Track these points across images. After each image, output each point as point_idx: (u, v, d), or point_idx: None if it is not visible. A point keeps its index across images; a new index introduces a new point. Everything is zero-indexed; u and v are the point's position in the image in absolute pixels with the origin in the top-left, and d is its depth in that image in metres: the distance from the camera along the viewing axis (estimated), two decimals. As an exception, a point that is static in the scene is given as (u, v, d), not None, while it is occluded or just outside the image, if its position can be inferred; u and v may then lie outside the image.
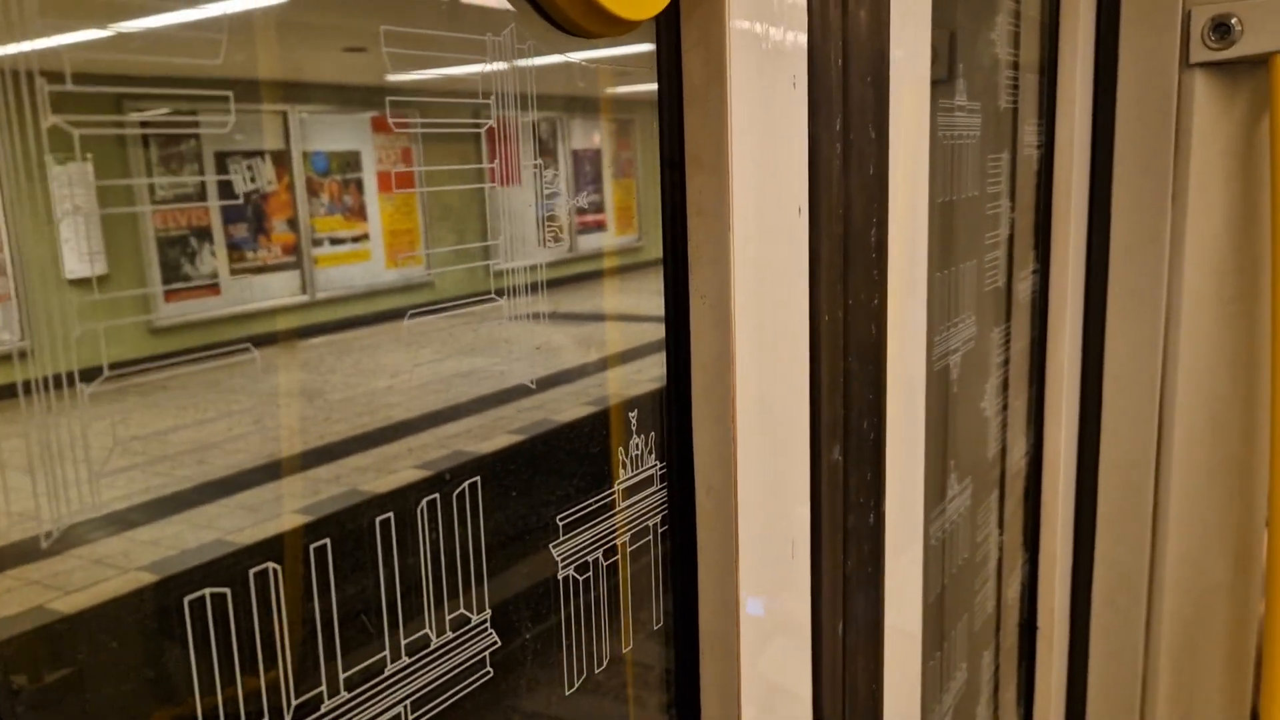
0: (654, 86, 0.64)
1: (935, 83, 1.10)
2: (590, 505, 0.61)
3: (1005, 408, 1.44)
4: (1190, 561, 1.57)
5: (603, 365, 0.65)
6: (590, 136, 0.63)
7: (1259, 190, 1.47)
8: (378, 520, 0.47)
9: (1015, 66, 1.34)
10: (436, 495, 0.50)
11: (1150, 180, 1.47)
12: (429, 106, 0.50)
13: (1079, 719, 1.68)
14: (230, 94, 0.40)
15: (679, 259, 0.64)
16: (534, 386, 0.58)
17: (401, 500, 0.49)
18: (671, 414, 0.67)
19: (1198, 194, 1.46)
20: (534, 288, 0.56)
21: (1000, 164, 1.31)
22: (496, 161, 0.53)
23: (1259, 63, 1.41)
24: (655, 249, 0.67)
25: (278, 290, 0.44)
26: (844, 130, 0.72)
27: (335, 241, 0.49)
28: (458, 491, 0.52)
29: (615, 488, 0.63)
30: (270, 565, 0.43)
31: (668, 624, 0.69)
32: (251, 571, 0.42)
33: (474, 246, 0.53)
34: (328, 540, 0.45)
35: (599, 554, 0.62)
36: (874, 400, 0.82)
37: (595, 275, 0.65)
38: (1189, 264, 1.47)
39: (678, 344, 0.65)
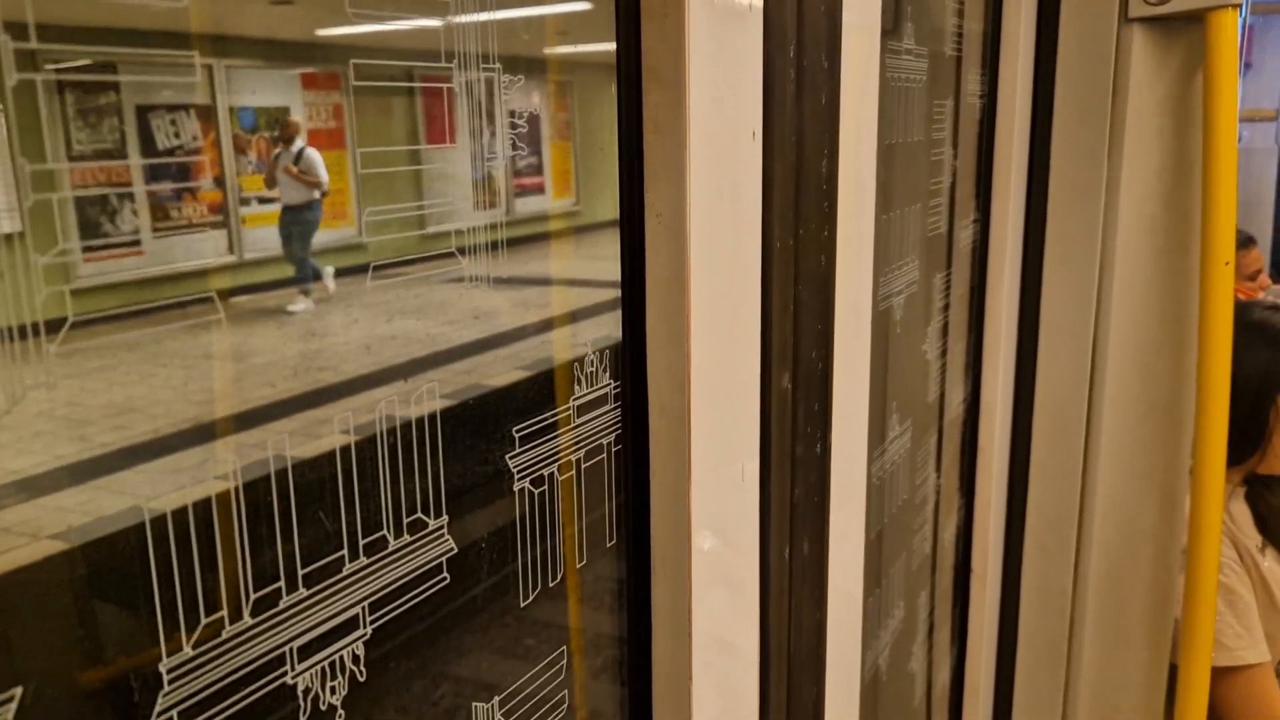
0: (597, 47, 0.63)
1: (883, 30, 1.10)
2: (545, 420, 0.62)
3: (945, 352, 1.47)
4: (1117, 506, 1.63)
5: (539, 330, 0.65)
6: (531, 97, 0.62)
7: (1191, 144, 1.51)
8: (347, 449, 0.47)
9: (960, 14, 1.36)
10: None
11: (1088, 132, 1.50)
12: (362, 61, 0.48)
13: (1009, 659, 1.74)
14: (153, 45, 0.39)
15: (634, 176, 0.64)
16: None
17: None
18: (626, 333, 0.67)
19: (1133, 146, 1.49)
20: (468, 250, 0.55)
21: (944, 111, 1.33)
22: (433, 120, 0.52)
23: (1194, 19, 1.44)
24: (593, 213, 0.66)
25: (203, 250, 0.43)
26: (798, 56, 0.73)
27: (264, 200, 0.47)
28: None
29: (570, 404, 0.63)
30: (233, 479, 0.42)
31: (620, 541, 0.70)
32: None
33: (408, 207, 0.51)
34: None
35: (554, 468, 0.62)
36: (823, 331, 0.83)
37: (532, 239, 0.64)
38: (1123, 215, 1.51)
39: (633, 263, 0.65)
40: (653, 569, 0.70)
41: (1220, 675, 1.70)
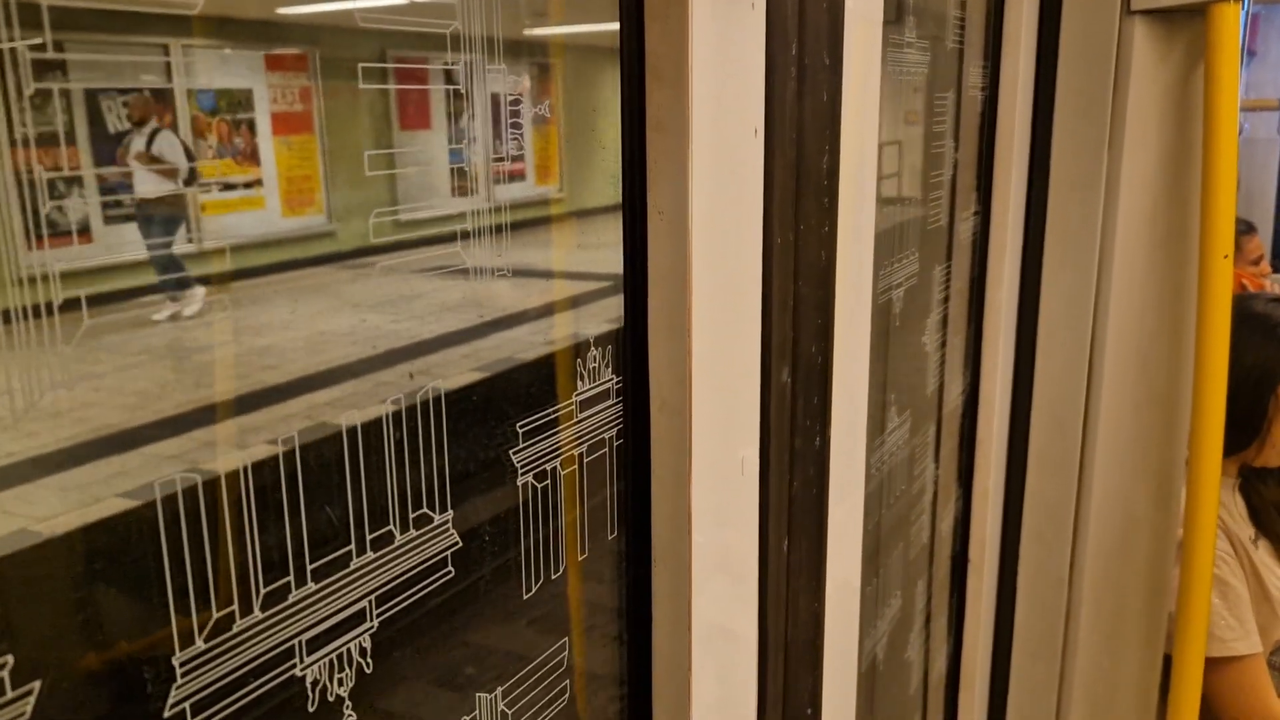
0: (583, 28, 0.62)
1: (885, 22, 1.10)
2: (548, 415, 0.62)
3: (944, 344, 1.48)
4: (1114, 496, 1.64)
5: (536, 319, 0.63)
6: (515, 81, 0.60)
7: (1191, 137, 1.51)
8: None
9: (963, 6, 1.36)
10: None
11: (1089, 124, 1.50)
12: (331, 42, 0.46)
13: (1005, 648, 1.75)
14: (104, 24, 0.37)
15: (637, 174, 0.64)
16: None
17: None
18: (628, 328, 0.68)
19: (1133, 139, 1.50)
20: (446, 239, 0.53)
21: (945, 103, 1.33)
22: (406, 104, 0.50)
23: (1196, 12, 1.45)
24: (578, 200, 0.65)
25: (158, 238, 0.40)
26: (799, 54, 0.73)
27: (226, 187, 0.44)
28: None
29: (573, 399, 0.64)
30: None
31: (621, 532, 0.71)
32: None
33: (381, 195, 0.49)
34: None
35: (556, 463, 0.63)
36: (822, 325, 0.84)
37: (512, 227, 0.61)
38: (1123, 208, 1.51)
39: (635, 258, 0.66)
40: (653, 560, 0.71)
41: (1213, 666, 1.72)
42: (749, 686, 0.81)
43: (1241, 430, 1.87)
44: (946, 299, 1.47)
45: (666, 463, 0.69)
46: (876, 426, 1.25)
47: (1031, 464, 1.66)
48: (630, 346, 0.68)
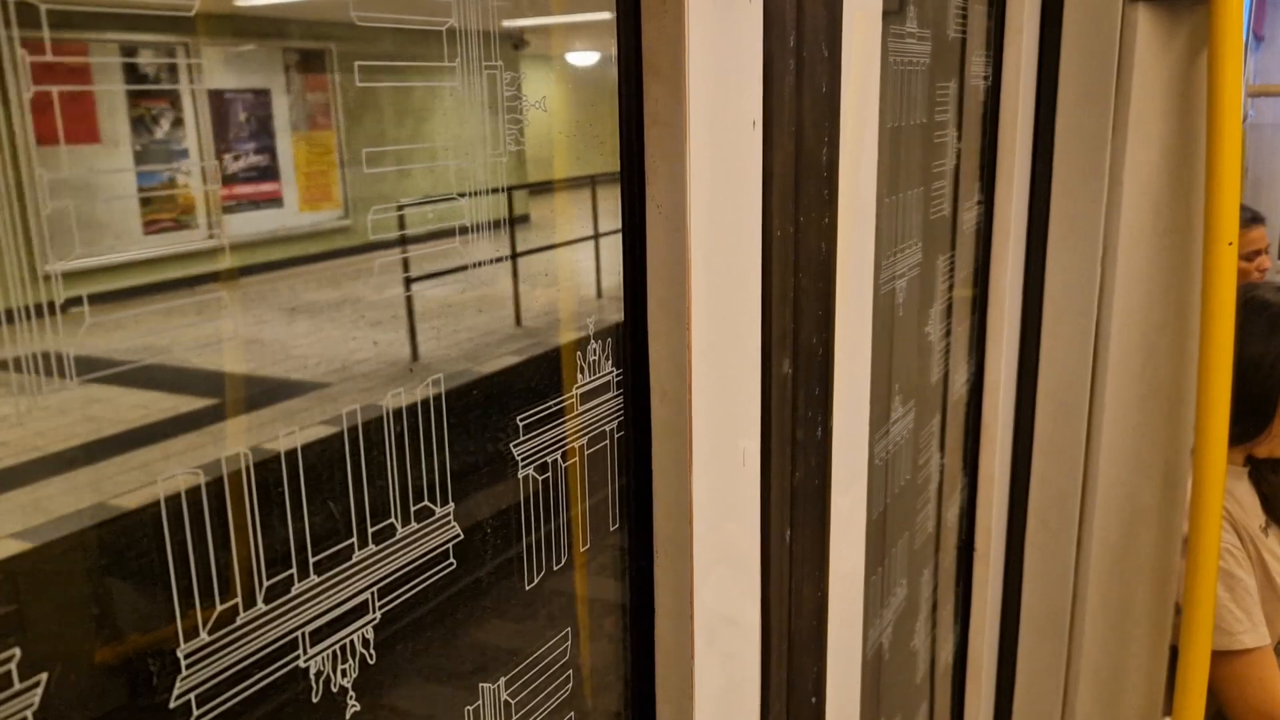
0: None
1: (886, 12, 1.10)
2: (549, 408, 0.63)
3: (948, 334, 1.48)
4: (1120, 485, 1.64)
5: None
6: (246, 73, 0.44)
7: (1195, 126, 1.51)
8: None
9: (964, -4, 1.36)
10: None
11: (1092, 113, 1.50)
12: None
13: (1011, 637, 1.76)
14: None
15: (634, 169, 0.65)
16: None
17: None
18: (627, 321, 0.68)
19: (1136, 128, 1.50)
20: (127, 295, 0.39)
21: (948, 93, 1.33)
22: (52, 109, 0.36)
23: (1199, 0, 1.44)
24: (367, 230, 0.49)
25: None
26: (797, 46, 0.73)
27: None
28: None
29: (574, 391, 0.65)
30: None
31: (624, 524, 0.72)
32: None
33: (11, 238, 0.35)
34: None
35: (558, 455, 0.64)
36: (823, 316, 0.84)
37: (251, 271, 0.45)
38: (1127, 196, 1.51)
39: (633, 252, 0.66)
40: (655, 551, 0.72)
41: (1220, 659, 1.72)
42: (752, 676, 0.81)
43: (1250, 420, 1.86)
44: (950, 288, 1.47)
45: (667, 454, 0.70)
46: (880, 416, 1.25)
47: (1037, 452, 1.66)
48: (630, 339, 0.69)
